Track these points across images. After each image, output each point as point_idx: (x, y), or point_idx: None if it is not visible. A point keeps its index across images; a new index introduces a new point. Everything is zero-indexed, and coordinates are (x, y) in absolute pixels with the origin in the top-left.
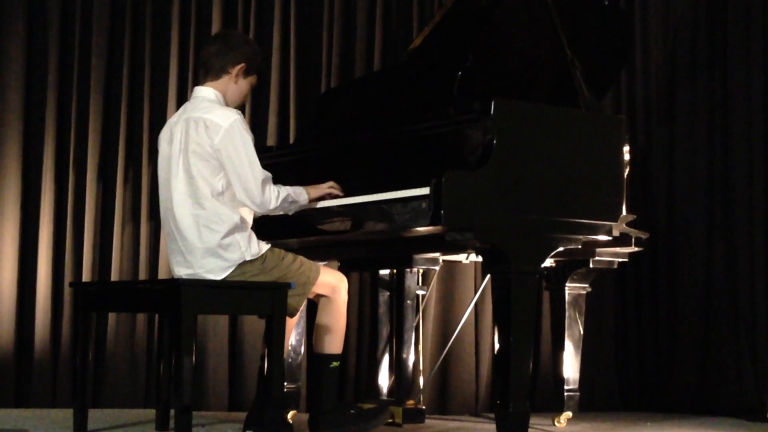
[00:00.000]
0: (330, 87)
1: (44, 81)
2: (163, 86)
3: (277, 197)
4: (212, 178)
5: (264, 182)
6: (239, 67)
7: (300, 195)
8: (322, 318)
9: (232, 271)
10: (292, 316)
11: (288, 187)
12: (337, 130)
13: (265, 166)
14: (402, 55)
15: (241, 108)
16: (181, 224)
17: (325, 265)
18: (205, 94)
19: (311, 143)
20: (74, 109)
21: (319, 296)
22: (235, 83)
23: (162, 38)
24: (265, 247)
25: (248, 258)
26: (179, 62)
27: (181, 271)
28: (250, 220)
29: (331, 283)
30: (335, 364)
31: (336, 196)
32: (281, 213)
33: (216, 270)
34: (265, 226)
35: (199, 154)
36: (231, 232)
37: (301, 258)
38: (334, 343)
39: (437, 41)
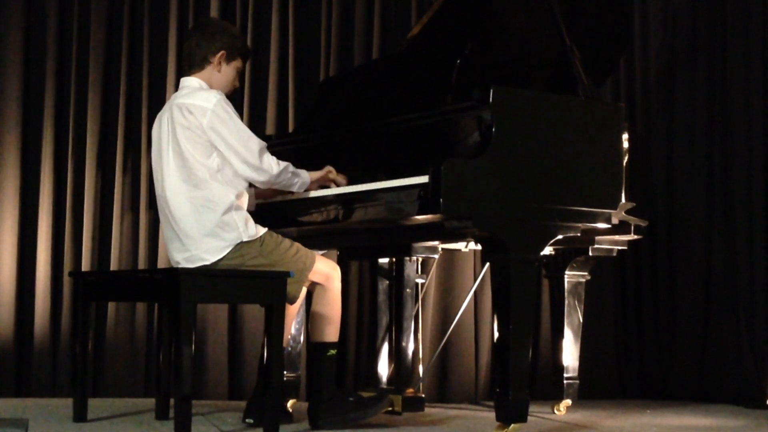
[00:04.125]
0: (329, 75)
1: (43, 70)
2: (162, 75)
3: (277, 163)
4: (206, 159)
5: (261, 151)
6: (219, 54)
7: (301, 171)
8: (317, 307)
9: (230, 252)
10: (291, 303)
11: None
12: (335, 118)
13: None
14: (401, 43)
15: (235, 95)
16: (177, 209)
17: (323, 253)
18: (189, 83)
19: (310, 132)
20: (73, 98)
21: (313, 284)
22: (219, 71)
23: (160, 26)
24: (262, 230)
25: (245, 239)
26: (177, 50)
27: (179, 256)
28: (245, 206)
29: (325, 271)
30: (332, 352)
31: (338, 183)
32: (286, 189)
33: (213, 251)
34: (264, 215)
35: (189, 137)
36: (228, 210)
37: (297, 245)
38: (330, 331)
39: (436, 29)
